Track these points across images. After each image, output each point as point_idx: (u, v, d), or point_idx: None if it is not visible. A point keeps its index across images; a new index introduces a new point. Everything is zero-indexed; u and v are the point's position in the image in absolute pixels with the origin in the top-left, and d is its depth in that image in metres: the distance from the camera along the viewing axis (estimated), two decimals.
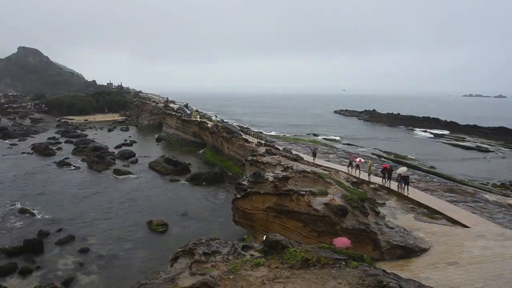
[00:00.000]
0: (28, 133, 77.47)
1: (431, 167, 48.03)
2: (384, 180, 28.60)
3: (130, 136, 76.45)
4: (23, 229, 28.37)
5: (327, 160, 39.01)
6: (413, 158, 55.76)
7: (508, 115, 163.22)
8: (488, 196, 29.36)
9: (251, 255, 10.35)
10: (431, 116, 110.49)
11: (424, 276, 14.11)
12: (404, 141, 78.78)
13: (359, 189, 23.47)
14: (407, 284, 8.81)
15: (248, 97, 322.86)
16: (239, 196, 21.37)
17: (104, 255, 24.51)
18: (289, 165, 23.70)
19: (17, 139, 69.88)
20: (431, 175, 38.50)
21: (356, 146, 67.52)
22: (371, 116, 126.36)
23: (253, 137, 51.16)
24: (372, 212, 19.11)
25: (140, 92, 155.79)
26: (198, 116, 72.75)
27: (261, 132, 76.13)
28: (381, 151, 61.52)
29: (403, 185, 26.82)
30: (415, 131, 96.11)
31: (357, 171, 31.76)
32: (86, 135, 74.35)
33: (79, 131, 79.75)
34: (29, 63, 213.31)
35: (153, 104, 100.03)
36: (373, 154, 57.00)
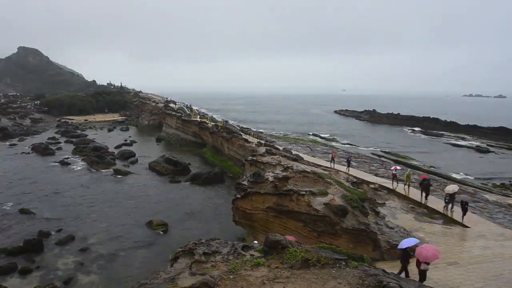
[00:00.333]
0: (28, 133, 77.55)
1: (431, 167, 48.06)
2: (422, 197, 24.50)
3: (130, 136, 76.48)
4: (23, 229, 28.36)
5: (327, 160, 39.01)
6: (413, 158, 55.77)
7: (508, 115, 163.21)
8: (488, 196, 29.40)
9: (251, 255, 10.35)
10: (431, 116, 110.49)
11: None
12: (404, 141, 78.76)
13: (359, 189, 23.47)
14: (407, 284, 8.81)
15: (248, 97, 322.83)
16: (239, 196, 21.37)
17: (104, 255, 24.51)
18: (289, 165, 23.69)
19: (17, 139, 69.96)
20: (431, 175, 38.51)
21: (356, 146, 67.53)
22: (371, 116, 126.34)
23: (253, 137, 51.17)
24: (372, 212, 19.12)
25: (140, 92, 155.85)
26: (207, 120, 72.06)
27: (261, 132, 76.18)
28: (381, 151, 61.51)
29: (452, 206, 22.14)
30: (414, 131, 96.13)
31: (334, 164, 34.69)
32: (86, 135, 74.39)
33: (79, 131, 79.81)
34: (29, 63, 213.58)
35: (153, 104, 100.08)
36: (373, 154, 57.02)
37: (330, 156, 38.05)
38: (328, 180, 21.35)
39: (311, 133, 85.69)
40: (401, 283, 8.51)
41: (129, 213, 32.58)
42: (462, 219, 20.68)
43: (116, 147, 62.16)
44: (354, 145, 67.87)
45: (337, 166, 34.60)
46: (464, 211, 20.68)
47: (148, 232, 28.47)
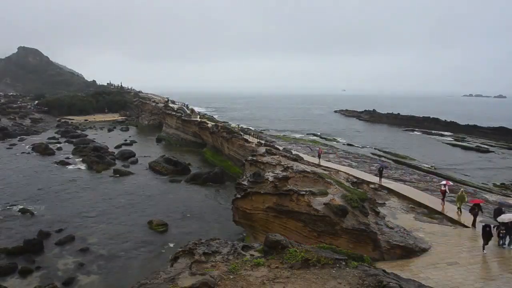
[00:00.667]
0: (28, 133, 77.53)
1: (431, 167, 48.06)
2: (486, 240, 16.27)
3: (130, 136, 76.49)
4: (23, 229, 28.36)
5: (327, 160, 39.04)
6: (414, 158, 55.74)
7: (508, 115, 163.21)
8: (488, 196, 29.41)
9: (251, 255, 10.35)
10: (431, 116, 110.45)
11: (424, 276, 14.10)
12: (404, 141, 78.75)
13: (359, 189, 23.47)
14: (407, 284, 8.82)
15: (248, 97, 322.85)
16: (239, 196, 21.38)
17: (104, 255, 24.52)
18: (289, 165, 23.70)
19: (17, 139, 69.93)
20: (431, 175, 38.53)
21: (356, 146, 67.51)
22: (371, 116, 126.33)
23: (253, 137, 51.16)
24: (372, 212, 19.11)
25: (140, 92, 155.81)
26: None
27: (261, 132, 76.17)
28: (381, 151, 61.51)
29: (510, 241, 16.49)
30: (414, 131, 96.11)
31: (320, 160, 36.27)
32: (86, 135, 74.35)
33: (79, 131, 79.76)
34: (29, 63, 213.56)
35: (153, 104, 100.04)
36: (373, 154, 57.01)
37: (317, 153, 41.02)
38: (328, 180, 21.35)
39: (311, 133, 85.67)
40: (401, 283, 8.51)
41: (129, 213, 32.59)
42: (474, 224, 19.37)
43: (116, 147, 62.17)
44: (354, 145, 67.84)
45: (322, 162, 35.79)
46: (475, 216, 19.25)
47: (148, 232, 28.46)
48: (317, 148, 47.10)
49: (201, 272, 8.96)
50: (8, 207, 33.18)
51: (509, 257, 15.78)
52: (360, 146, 67.08)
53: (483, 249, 16.24)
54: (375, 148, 64.83)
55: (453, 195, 25.37)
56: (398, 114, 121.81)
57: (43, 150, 57.22)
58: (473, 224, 19.58)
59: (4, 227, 28.74)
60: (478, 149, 68.25)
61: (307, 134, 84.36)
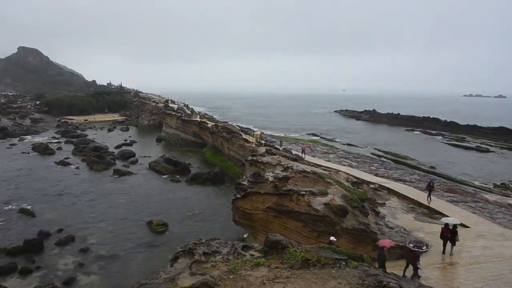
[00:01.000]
0: (28, 133, 77.54)
1: (431, 167, 48.03)
2: None
3: (130, 136, 76.45)
4: (23, 229, 28.35)
5: (327, 160, 39.04)
6: (413, 158, 55.72)
7: (508, 115, 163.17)
8: (488, 196, 29.40)
9: (251, 255, 10.35)
10: (431, 116, 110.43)
11: (424, 276, 14.10)
12: (404, 141, 78.74)
13: (359, 189, 23.48)
14: (407, 284, 8.81)
15: (248, 97, 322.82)
16: (239, 196, 21.38)
17: (104, 255, 24.51)
18: (289, 165, 23.71)
19: (17, 139, 69.94)
20: (431, 175, 38.50)
21: (356, 146, 67.49)
22: (371, 116, 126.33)
23: (253, 137, 51.13)
24: (372, 212, 19.13)
25: (140, 92, 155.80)
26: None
27: (261, 132, 76.10)
28: (381, 151, 61.49)
29: None
30: (414, 131, 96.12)
31: (304, 155, 37.24)
32: (86, 135, 74.32)
33: (79, 131, 79.72)
34: (29, 63, 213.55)
35: (153, 104, 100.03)
36: (372, 154, 57.01)
37: (301, 148, 42.82)
38: (328, 180, 21.35)
39: (311, 133, 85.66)
40: (401, 283, 8.51)
41: (129, 213, 32.57)
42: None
43: (116, 147, 62.13)
44: (354, 145, 67.82)
45: (308, 158, 36.56)
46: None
47: (148, 232, 28.46)
48: (304, 145, 46.08)
49: (201, 272, 8.95)
50: (8, 207, 33.17)
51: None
52: (360, 146, 67.07)
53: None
54: (375, 148, 64.80)
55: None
56: (398, 114, 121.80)
57: (43, 150, 57.20)
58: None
59: (4, 227, 28.73)
60: (478, 149, 68.25)
61: (307, 134, 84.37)
